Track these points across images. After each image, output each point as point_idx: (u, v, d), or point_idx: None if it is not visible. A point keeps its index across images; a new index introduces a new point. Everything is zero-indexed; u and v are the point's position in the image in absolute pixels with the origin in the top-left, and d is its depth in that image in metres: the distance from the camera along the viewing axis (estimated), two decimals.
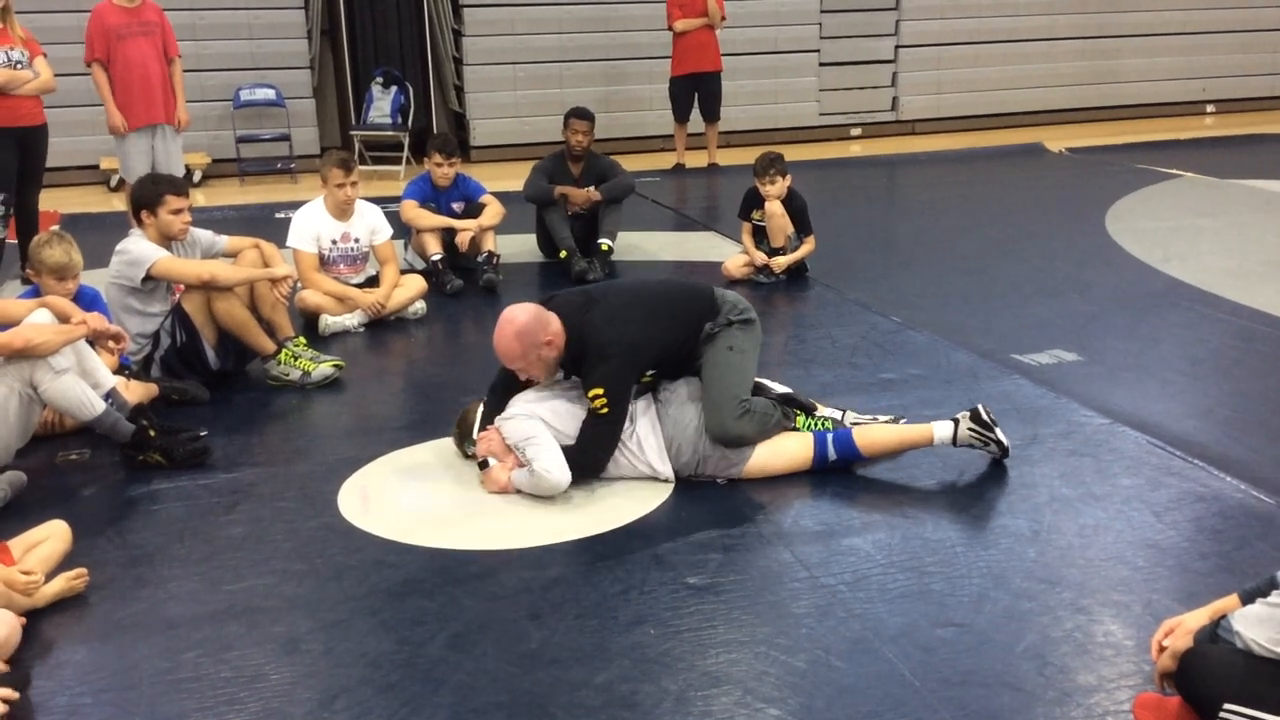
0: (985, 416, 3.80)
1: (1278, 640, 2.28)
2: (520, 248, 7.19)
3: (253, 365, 5.02)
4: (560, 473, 3.66)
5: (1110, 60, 13.09)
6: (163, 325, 4.79)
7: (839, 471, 3.84)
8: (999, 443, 3.80)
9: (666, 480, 3.79)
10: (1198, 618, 2.46)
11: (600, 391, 3.68)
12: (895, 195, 10.11)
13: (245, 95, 10.47)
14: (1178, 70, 13.30)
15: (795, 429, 3.93)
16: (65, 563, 3.24)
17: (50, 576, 3.13)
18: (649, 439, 3.79)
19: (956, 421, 3.81)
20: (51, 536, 3.27)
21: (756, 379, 4.09)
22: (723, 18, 10.25)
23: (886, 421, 4.02)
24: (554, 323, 3.76)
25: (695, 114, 10.50)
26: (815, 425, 3.97)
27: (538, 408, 3.81)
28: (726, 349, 3.90)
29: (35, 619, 3.02)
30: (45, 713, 2.68)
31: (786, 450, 3.81)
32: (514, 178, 7.71)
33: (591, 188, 6.93)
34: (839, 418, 4.04)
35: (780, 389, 4.12)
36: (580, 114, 6.97)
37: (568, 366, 3.88)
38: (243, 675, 2.79)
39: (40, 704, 2.70)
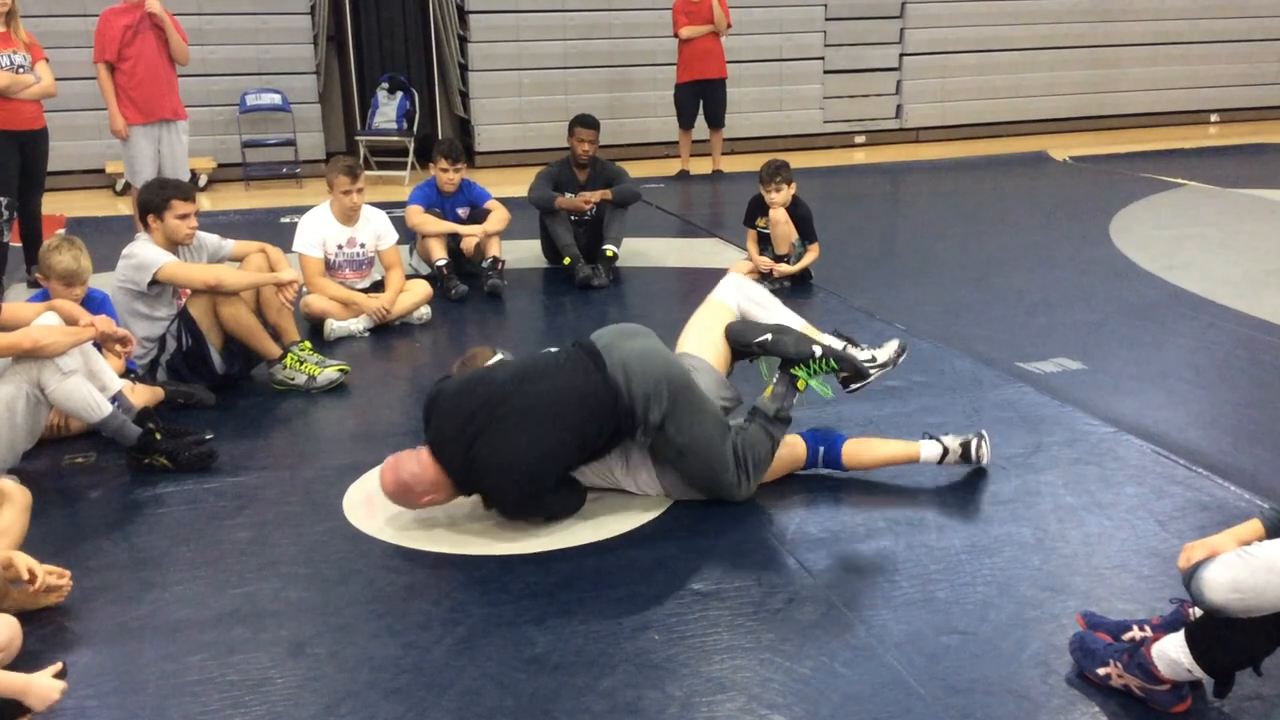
0: (974, 454, 3.82)
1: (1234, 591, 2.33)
2: (525, 253, 7.19)
3: (258, 369, 5.03)
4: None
5: (1114, 69, 13.11)
6: (169, 329, 4.80)
7: (842, 478, 3.85)
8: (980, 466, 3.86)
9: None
10: (1224, 543, 2.45)
11: (514, 513, 3.57)
12: (899, 203, 10.12)
13: (251, 100, 10.50)
14: (1182, 79, 13.33)
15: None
16: (60, 559, 3.21)
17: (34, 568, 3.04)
18: (640, 470, 3.72)
19: (945, 451, 3.81)
20: (5, 501, 3.22)
21: (746, 319, 3.89)
22: (728, 25, 10.28)
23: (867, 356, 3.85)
24: (425, 480, 3.48)
25: (700, 121, 10.52)
26: (815, 370, 3.69)
27: None
28: (677, 454, 3.53)
29: (40, 620, 3.02)
30: (50, 714, 2.67)
31: (782, 460, 3.76)
32: (519, 183, 7.72)
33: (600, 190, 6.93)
34: (840, 348, 3.76)
35: (773, 319, 3.90)
36: (585, 122, 6.97)
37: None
38: (248, 679, 2.79)
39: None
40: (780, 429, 3.67)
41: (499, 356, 4.23)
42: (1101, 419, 4.33)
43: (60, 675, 2.61)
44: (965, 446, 3.82)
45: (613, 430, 3.52)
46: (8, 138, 6.39)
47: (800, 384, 3.68)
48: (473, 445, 3.40)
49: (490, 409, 3.41)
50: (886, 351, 3.86)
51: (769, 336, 3.73)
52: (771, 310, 3.95)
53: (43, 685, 2.57)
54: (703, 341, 3.83)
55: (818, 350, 3.68)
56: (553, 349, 3.75)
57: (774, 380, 3.72)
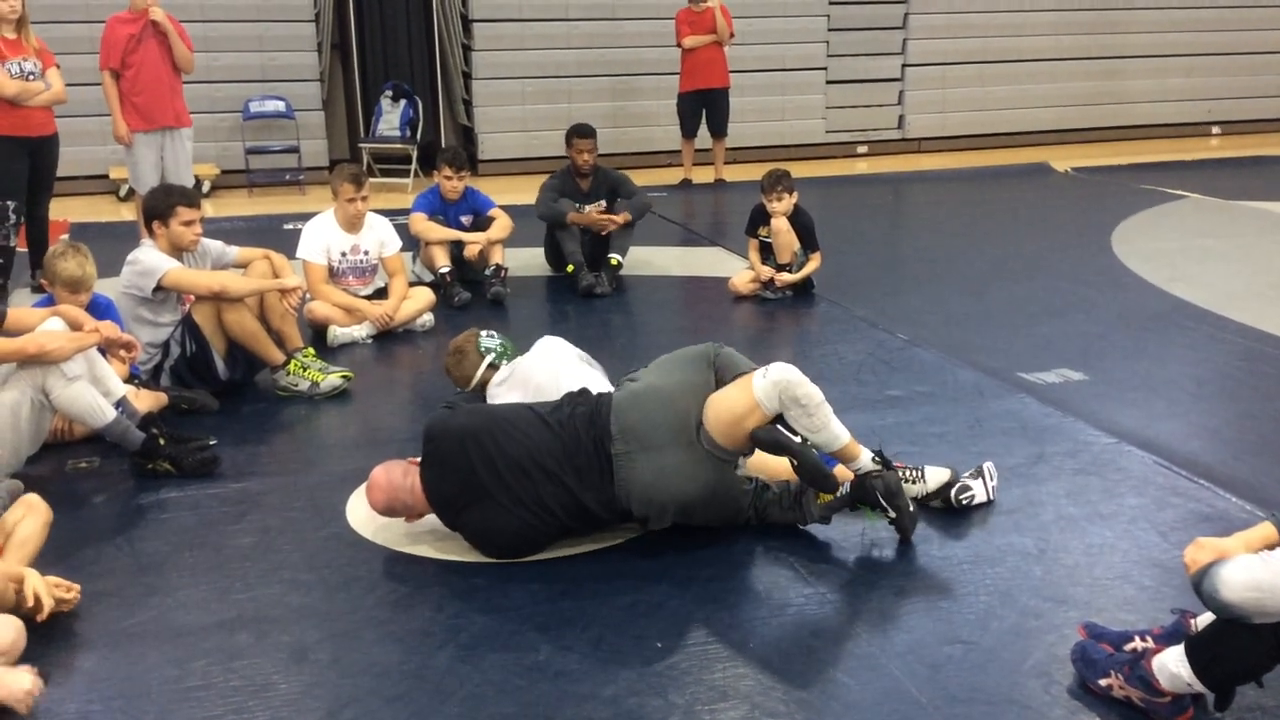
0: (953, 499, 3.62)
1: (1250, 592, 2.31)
2: (528, 261, 7.21)
3: (261, 375, 5.04)
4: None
5: (1116, 81, 13.14)
6: (173, 335, 4.81)
7: None
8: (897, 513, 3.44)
9: None
10: (1233, 546, 2.45)
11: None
12: (901, 213, 10.14)
13: (255, 107, 10.53)
14: (1183, 91, 13.37)
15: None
16: (63, 564, 3.23)
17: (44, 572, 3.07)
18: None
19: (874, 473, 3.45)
20: (28, 513, 3.25)
21: (775, 431, 3.42)
22: (731, 35, 10.31)
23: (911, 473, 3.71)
24: (415, 510, 3.52)
25: (703, 130, 10.55)
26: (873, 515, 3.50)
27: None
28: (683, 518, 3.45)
29: (43, 624, 3.02)
30: (52, 718, 2.68)
31: (778, 470, 3.73)
32: (522, 191, 7.74)
33: (615, 213, 6.90)
34: (871, 474, 3.45)
35: (816, 423, 3.41)
36: (582, 132, 6.93)
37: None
38: (251, 684, 2.80)
39: (49, 711, 2.71)
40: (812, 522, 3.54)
41: (488, 357, 4.25)
42: (1103, 430, 4.33)
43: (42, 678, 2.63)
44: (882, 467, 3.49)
45: (608, 526, 3.50)
46: (18, 143, 6.42)
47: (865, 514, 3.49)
48: (462, 513, 3.42)
49: (484, 486, 3.36)
50: (935, 479, 3.64)
51: (795, 463, 3.41)
52: (815, 415, 3.39)
53: (11, 678, 2.60)
54: (725, 431, 3.39)
55: (842, 488, 3.46)
56: (579, 403, 3.50)
57: (832, 496, 3.49)
